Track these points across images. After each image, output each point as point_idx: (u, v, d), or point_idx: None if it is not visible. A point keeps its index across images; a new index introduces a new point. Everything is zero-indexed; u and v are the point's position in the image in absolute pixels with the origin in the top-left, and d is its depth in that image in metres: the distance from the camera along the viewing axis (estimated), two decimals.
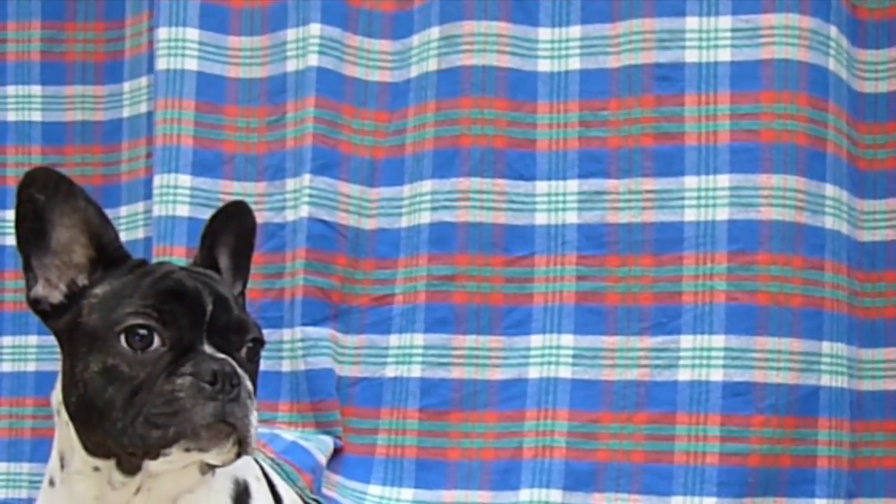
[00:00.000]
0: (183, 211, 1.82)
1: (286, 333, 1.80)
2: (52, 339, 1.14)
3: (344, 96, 1.80)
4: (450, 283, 1.73)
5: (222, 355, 1.07)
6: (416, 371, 1.72)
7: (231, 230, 1.21)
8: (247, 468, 1.20)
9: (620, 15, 1.71)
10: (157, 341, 1.06)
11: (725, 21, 1.67)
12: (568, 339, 1.69)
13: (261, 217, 1.84)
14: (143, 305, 1.06)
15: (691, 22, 1.68)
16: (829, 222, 1.64)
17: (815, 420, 1.61)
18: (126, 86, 1.98)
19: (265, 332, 1.78)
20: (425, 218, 1.75)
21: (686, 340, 1.65)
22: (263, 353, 1.86)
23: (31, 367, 1.96)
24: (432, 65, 1.77)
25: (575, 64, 1.73)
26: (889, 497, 1.63)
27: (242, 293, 1.23)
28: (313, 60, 1.78)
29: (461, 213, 1.73)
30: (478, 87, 1.74)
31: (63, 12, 1.99)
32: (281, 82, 1.84)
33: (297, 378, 1.76)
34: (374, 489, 1.70)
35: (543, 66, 1.74)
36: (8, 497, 1.93)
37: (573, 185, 1.72)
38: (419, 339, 1.73)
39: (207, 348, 1.07)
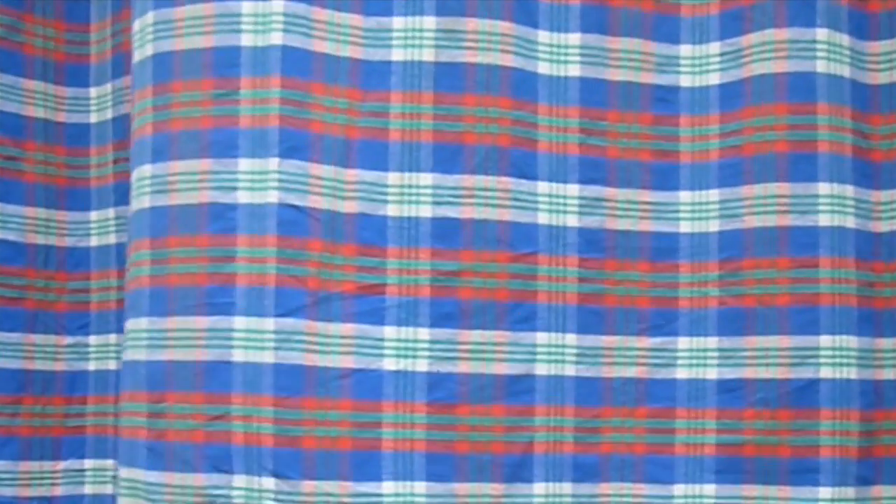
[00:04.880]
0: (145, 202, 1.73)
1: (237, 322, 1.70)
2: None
3: (312, 73, 1.74)
4: (455, 278, 1.74)
5: None
6: (422, 365, 1.71)
7: None
8: None
9: (620, 31, 1.77)
10: None
11: (715, 47, 1.77)
12: (571, 339, 1.76)
13: (204, 196, 1.74)
14: None
15: (685, 49, 1.78)
16: (823, 220, 1.73)
17: (816, 411, 1.73)
18: (93, 91, 1.93)
19: (213, 319, 1.70)
20: (425, 211, 1.75)
21: (683, 342, 1.77)
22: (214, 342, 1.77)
23: None
24: (427, 55, 1.75)
25: (575, 70, 1.78)
26: None
27: None
28: (277, 38, 1.71)
29: (466, 210, 1.75)
30: (482, 85, 1.75)
31: (21, 1, 1.88)
32: (231, 55, 1.73)
33: (259, 370, 1.69)
34: (388, 486, 1.68)
35: (543, 68, 1.77)
36: None
37: (574, 189, 1.77)
38: (424, 333, 1.73)
39: None
